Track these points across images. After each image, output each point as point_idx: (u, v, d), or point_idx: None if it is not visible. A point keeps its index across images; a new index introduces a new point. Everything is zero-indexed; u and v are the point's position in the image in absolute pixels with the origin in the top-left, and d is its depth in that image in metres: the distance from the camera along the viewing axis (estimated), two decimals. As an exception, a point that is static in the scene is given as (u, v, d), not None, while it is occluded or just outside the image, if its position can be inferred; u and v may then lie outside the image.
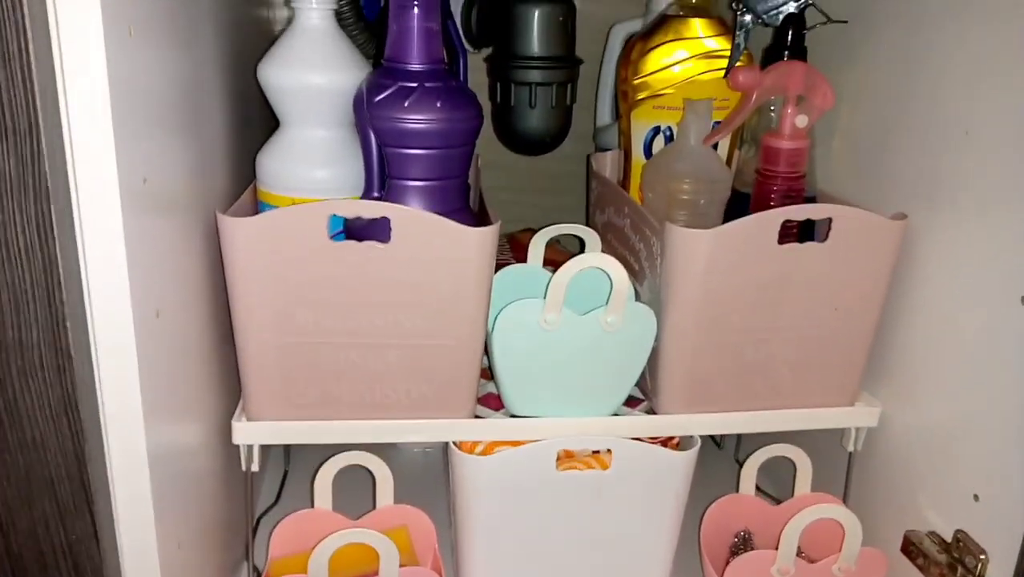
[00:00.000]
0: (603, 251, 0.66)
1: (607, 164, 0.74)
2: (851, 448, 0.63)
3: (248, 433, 0.56)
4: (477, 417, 0.59)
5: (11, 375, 0.36)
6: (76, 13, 0.34)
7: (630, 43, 0.69)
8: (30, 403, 0.37)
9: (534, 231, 0.66)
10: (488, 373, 0.61)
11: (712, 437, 0.85)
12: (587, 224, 0.69)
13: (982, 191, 0.53)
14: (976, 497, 0.54)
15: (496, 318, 0.56)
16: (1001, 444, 0.52)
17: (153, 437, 0.41)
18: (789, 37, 0.62)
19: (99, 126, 0.35)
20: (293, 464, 0.78)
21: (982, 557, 0.53)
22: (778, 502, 0.67)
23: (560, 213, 0.93)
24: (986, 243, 0.53)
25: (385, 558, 0.51)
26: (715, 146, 0.66)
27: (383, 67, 0.54)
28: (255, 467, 0.57)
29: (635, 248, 0.63)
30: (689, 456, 0.59)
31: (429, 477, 0.76)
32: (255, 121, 0.66)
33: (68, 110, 0.35)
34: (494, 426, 0.58)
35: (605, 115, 0.83)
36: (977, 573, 0.54)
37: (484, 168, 0.77)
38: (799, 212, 0.55)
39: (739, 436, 0.83)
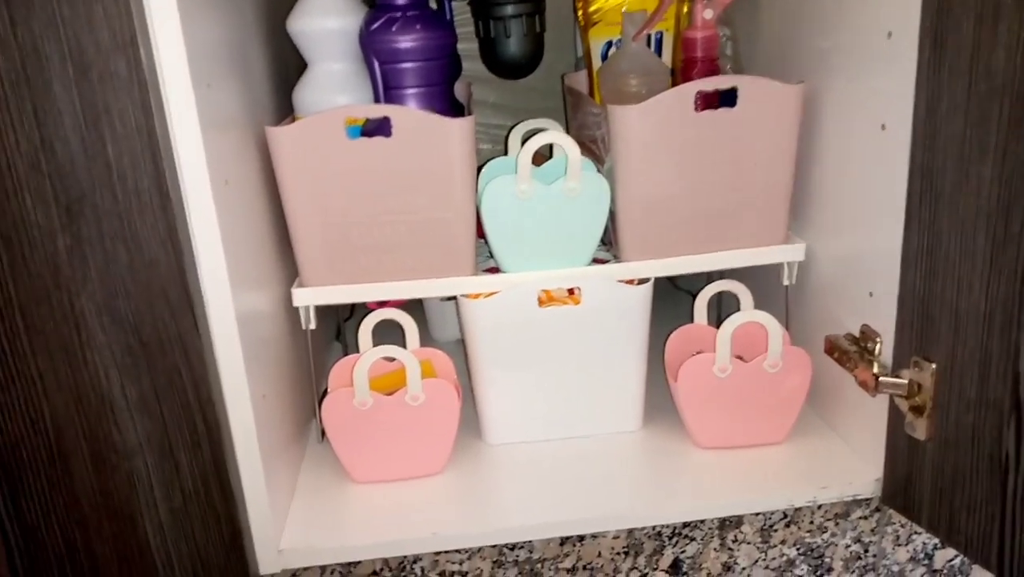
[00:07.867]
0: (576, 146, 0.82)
1: (579, 80, 0.90)
2: (786, 282, 0.77)
3: (304, 297, 0.74)
4: (477, 277, 0.75)
5: (131, 212, 0.54)
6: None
7: (583, -23, 0.84)
8: (147, 233, 0.55)
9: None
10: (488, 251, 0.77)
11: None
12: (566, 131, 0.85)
13: (855, 60, 0.66)
14: (871, 294, 0.67)
15: (482, 194, 0.72)
16: (880, 246, 0.65)
17: (232, 264, 0.59)
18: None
19: (177, 54, 0.54)
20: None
21: (878, 340, 0.67)
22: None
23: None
24: (857, 94, 0.66)
25: (410, 369, 0.68)
26: (658, 51, 0.81)
27: (377, 5, 0.71)
28: (312, 325, 0.75)
29: (595, 137, 0.78)
30: (644, 289, 0.74)
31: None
32: (292, 72, 0.84)
33: (158, 43, 0.53)
34: (489, 279, 0.74)
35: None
36: (876, 353, 0.67)
37: (478, 106, 0.94)
38: (709, 83, 0.70)
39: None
